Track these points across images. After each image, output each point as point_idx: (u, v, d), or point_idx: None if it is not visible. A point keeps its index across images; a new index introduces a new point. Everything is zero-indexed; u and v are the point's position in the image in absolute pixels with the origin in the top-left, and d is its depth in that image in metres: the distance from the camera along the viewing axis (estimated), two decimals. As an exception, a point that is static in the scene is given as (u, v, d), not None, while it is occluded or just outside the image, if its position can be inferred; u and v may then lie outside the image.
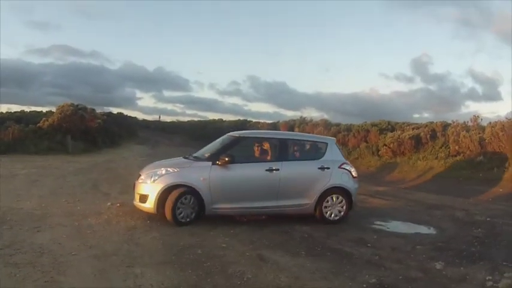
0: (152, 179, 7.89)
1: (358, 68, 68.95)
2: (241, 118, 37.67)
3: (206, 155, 8.45)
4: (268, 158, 8.61)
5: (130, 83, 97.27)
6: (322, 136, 11.36)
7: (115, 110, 47.53)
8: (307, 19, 70.58)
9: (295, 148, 9.00)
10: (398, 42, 65.53)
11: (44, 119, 26.14)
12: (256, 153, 8.82)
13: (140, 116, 72.63)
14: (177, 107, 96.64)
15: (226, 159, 7.95)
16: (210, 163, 8.00)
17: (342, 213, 8.69)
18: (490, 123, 19.77)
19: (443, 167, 18.82)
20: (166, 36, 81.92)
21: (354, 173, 8.94)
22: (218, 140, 9.26)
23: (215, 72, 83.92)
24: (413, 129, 22.96)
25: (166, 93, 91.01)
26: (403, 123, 25.70)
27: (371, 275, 5.82)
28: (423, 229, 8.91)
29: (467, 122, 21.24)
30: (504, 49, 59.72)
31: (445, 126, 22.23)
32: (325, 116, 25.14)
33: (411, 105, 51.22)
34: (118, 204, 9.28)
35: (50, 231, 7.02)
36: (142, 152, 25.09)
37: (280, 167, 8.27)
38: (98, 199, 10.07)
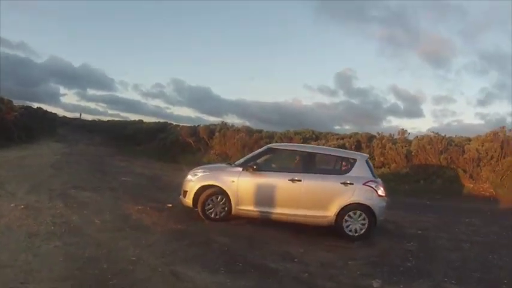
0: (192, 179, 8.94)
1: (283, 79, 70.23)
2: (160, 121, 36.28)
3: (241, 161, 9.23)
4: (294, 169, 9.10)
5: (55, 79, 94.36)
6: (354, 152, 11.04)
7: (39, 105, 44.97)
8: (235, 27, 70.86)
9: (322, 162, 9.44)
10: (324, 56, 67.25)
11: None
12: (285, 164, 9.58)
13: (62, 112, 69.48)
14: (100, 106, 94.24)
15: (254, 166, 8.71)
16: (241, 169, 8.78)
17: (363, 230, 8.54)
18: (417, 136, 20.26)
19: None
20: (94, 33, 79.50)
21: (381, 192, 8.70)
22: (259, 149, 10.11)
23: (141, 73, 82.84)
24: (337, 139, 22.80)
25: (91, 92, 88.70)
26: (327, 133, 25.48)
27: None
28: (351, 244, 8.31)
29: (393, 134, 21.52)
30: (427, 69, 61.75)
31: (370, 138, 22.36)
32: (247, 123, 24.76)
33: (333, 117, 52.52)
34: (22, 206, 8.29)
35: None
36: (59, 150, 23.36)
37: (303, 178, 8.56)
38: (0, 199, 9.00)
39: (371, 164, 9.40)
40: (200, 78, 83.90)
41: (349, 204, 8.48)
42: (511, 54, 49.91)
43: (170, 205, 9.84)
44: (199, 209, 8.74)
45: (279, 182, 8.60)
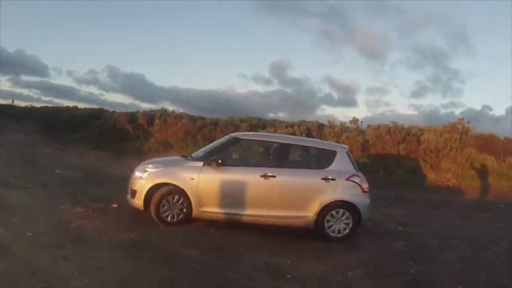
0: (141, 175, 7.64)
1: (218, 67, 69.34)
2: (96, 107, 34.24)
3: (200, 155, 8.06)
4: (266, 163, 8.01)
5: None
6: (332, 143, 10.40)
7: None
8: (170, 13, 69.15)
9: (298, 154, 8.47)
10: (259, 46, 66.72)
11: None
12: (254, 157, 8.58)
13: None
14: (34, 93, 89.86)
15: (219, 160, 7.53)
16: (201, 163, 7.59)
17: (347, 230, 7.73)
18: (370, 125, 20.18)
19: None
20: (29, 18, 75.42)
21: (365, 187, 7.93)
22: (220, 139, 9.04)
23: (75, 58, 79.16)
24: (286, 127, 21.79)
25: (24, 78, 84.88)
26: (274, 120, 24.46)
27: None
28: (336, 247, 7.51)
29: (345, 123, 21.11)
30: (362, 62, 61.79)
31: (320, 126, 21.83)
32: (181, 110, 23.77)
33: (267, 105, 52.15)
34: None
35: None
36: (-14, 140, 20.87)
37: (277, 174, 7.57)
38: None
39: (351, 156, 8.49)
40: (134, 65, 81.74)
41: (332, 202, 7.62)
42: (445, 50, 51.57)
43: (115, 205, 8.44)
44: (152, 211, 7.47)
45: (249, 179, 7.54)
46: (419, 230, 9.06)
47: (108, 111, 29.67)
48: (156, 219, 7.41)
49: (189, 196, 7.41)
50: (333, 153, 8.04)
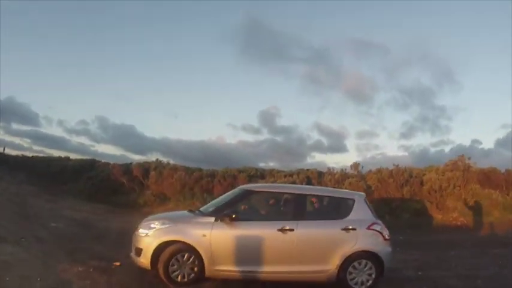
0: (147, 232, 7.07)
1: (207, 117, 70.07)
2: (87, 158, 33.61)
3: (210, 209, 7.55)
4: (282, 216, 7.60)
5: None
6: (348, 191, 9.71)
7: None
8: (159, 64, 70.15)
9: (315, 205, 7.98)
10: (247, 95, 67.85)
11: None
12: (269, 210, 7.99)
13: None
14: (24, 142, 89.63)
15: (233, 215, 7.02)
16: (213, 219, 7.10)
17: (370, 281, 7.29)
18: (371, 170, 19.95)
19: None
20: (20, 66, 75.99)
21: (386, 235, 7.55)
22: (229, 192, 8.53)
23: (65, 108, 79.36)
24: (285, 176, 21.33)
25: (15, 126, 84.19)
26: (272, 170, 23.94)
27: None
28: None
29: (345, 169, 20.88)
30: (349, 105, 62.96)
31: (320, 173, 21.46)
32: (171, 162, 23.42)
33: (257, 154, 52.21)
34: None
35: None
36: (-24, 189, 20.13)
37: (296, 227, 7.13)
38: None
39: (369, 203, 8.08)
40: (124, 116, 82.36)
41: (354, 253, 7.24)
42: (431, 88, 52.23)
43: (117, 263, 7.82)
44: (160, 271, 6.84)
45: (266, 234, 7.08)
46: (439, 273, 8.76)
47: (100, 162, 29.09)
48: (165, 279, 6.83)
49: (201, 254, 6.88)
50: (351, 202, 7.71)
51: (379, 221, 7.68)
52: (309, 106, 69.54)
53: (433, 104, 49.91)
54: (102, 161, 29.76)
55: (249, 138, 65.94)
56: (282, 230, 7.04)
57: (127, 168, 23.57)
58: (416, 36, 53.58)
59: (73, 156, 37.43)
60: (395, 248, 10.86)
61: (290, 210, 7.56)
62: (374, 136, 57.57)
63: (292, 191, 7.93)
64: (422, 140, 56.76)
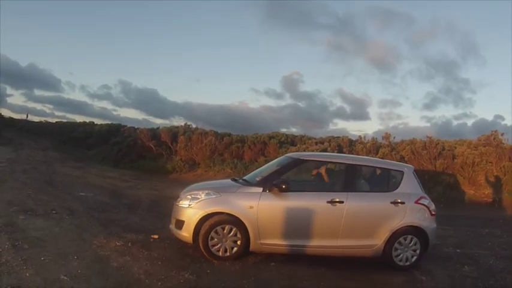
0: (189, 203, 6.62)
1: (230, 82, 70.18)
2: (112, 122, 33.16)
3: (257, 179, 7.03)
4: (332, 187, 7.34)
5: (1, 78, 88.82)
6: (397, 163, 9.31)
7: None
8: (181, 28, 69.54)
9: (365, 176, 7.53)
10: (270, 60, 67.80)
11: None
12: (318, 181, 7.59)
13: (8, 113, 66.58)
14: (47, 108, 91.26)
15: (283, 186, 6.53)
16: (261, 189, 6.63)
17: (415, 257, 6.97)
18: (402, 141, 19.41)
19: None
20: (41, 31, 76.08)
21: (433, 210, 7.18)
22: (274, 161, 8.12)
23: (87, 73, 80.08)
24: (316, 143, 20.92)
25: (38, 92, 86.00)
26: (302, 136, 23.32)
27: None
28: (406, 275, 6.82)
29: (376, 138, 20.34)
30: (373, 73, 62.49)
31: (351, 141, 20.96)
32: (193, 126, 23.02)
33: (279, 120, 52.27)
34: None
35: None
36: (3, 156, 19.99)
37: (345, 199, 6.72)
38: None
39: (417, 176, 7.59)
40: (147, 80, 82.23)
41: (401, 228, 6.88)
42: (455, 60, 50.96)
43: (156, 236, 7.38)
44: (200, 245, 6.43)
45: (315, 206, 6.62)
46: (478, 252, 8.47)
47: (126, 126, 28.63)
48: (205, 253, 6.46)
49: (247, 227, 6.45)
50: (400, 174, 7.31)
51: (426, 195, 7.30)
52: (332, 73, 69.39)
53: (457, 76, 49.72)
54: (128, 125, 29.31)
55: (272, 103, 66.23)
56: (332, 202, 6.64)
57: (154, 133, 23.20)
58: (442, 7, 53.21)
59: (95, 121, 37.14)
60: None
61: (340, 181, 7.20)
62: (397, 105, 57.84)
63: (343, 161, 7.45)
64: (445, 112, 57.45)
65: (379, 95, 68.36)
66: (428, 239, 6.96)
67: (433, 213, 7.13)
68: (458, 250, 8.51)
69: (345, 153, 18.65)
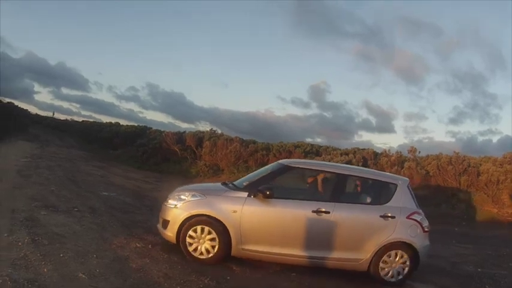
0: (176, 204, 6.64)
1: (256, 89, 70.99)
2: (138, 124, 33.32)
3: (244, 184, 6.96)
4: (319, 196, 7.15)
5: (30, 75, 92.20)
6: (392, 175, 8.76)
7: (10, 101, 42.36)
8: (211, 34, 70.29)
9: (355, 187, 7.50)
10: (298, 69, 68.51)
11: None
12: (306, 189, 7.55)
13: (35, 110, 68.40)
14: (73, 106, 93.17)
15: (267, 192, 6.42)
16: (246, 194, 6.55)
17: (401, 276, 6.71)
18: (428, 155, 19.01)
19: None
20: (72, 31, 77.71)
21: (426, 227, 6.90)
22: (266, 166, 8.13)
23: (115, 75, 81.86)
24: (341, 155, 20.58)
25: (65, 91, 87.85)
26: (327, 147, 23.09)
27: None
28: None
29: (400, 152, 20.12)
30: (400, 85, 62.58)
31: (376, 154, 20.73)
32: (218, 132, 23.13)
33: (305, 129, 52.37)
34: None
35: None
36: (28, 151, 20.12)
37: (332, 210, 6.54)
38: None
39: (412, 190, 7.33)
40: (174, 84, 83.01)
41: (390, 243, 6.65)
42: (482, 74, 50.24)
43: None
44: (181, 245, 6.45)
45: (299, 214, 6.51)
46: (499, 271, 8.29)
47: (151, 129, 28.72)
48: (187, 255, 6.42)
49: (229, 231, 6.40)
50: (393, 187, 7.07)
51: (420, 211, 7.04)
52: (359, 83, 69.74)
53: (484, 90, 49.10)
54: (153, 128, 29.41)
55: (298, 112, 66.61)
56: (317, 212, 6.49)
57: (180, 137, 23.24)
58: (471, 19, 53.32)
59: (122, 122, 37.44)
60: (451, 240, 11.16)
61: (328, 191, 7.00)
62: (423, 119, 57.50)
63: (333, 170, 7.28)
64: (470, 128, 56.13)
65: (406, 108, 68.05)
66: (419, 256, 6.70)
67: (425, 229, 6.87)
68: (479, 269, 8.32)
69: (369, 166, 18.45)
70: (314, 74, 74.35)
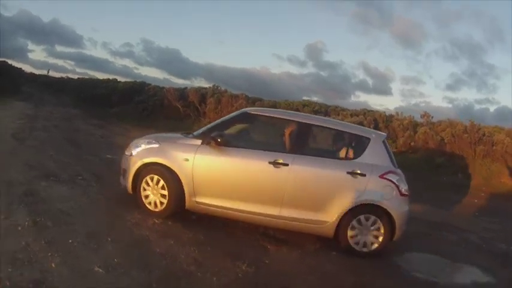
0: (132, 152, 6.32)
1: (252, 46, 69.83)
2: (135, 80, 32.25)
3: (200, 131, 6.47)
4: (279, 147, 6.31)
5: (23, 33, 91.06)
6: (366, 128, 8.09)
7: (3, 60, 41.06)
8: None
9: (319, 139, 6.86)
10: (295, 27, 68.06)
11: None
12: (266, 139, 7.10)
13: (29, 69, 67.30)
14: (68, 64, 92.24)
15: (218, 139, 5.89)
16: (200, 141, 6.05)
17: (376, 245, 5.93)
18: (440, 122, 19.27)
19: (399, 164, 16.55)
20: None
21: (404, 189, 6.02)
22: (230, 114, 7.26)
23: (110, 31, 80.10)
24: (352, 116, 20.27)
25: (59, 48, 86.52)
26: (336, 107, 22.81)
27: None
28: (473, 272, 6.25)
29: (412, 116, 20.14)
30: (397, 49, 63.80)
31: (388, 117, 20.81)
32: (221, 88, 22.48)
33: (301, 88, 52.40)
34: None
35: None
36: (23, 112, 19.09)
37: (291, 162, 5.86)
38: None
39: (389, 147, 6.59)
40: (170, 40, 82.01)
41: (359, 205, 5.87)
42: (481, 44, 50.63)
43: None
44: (137, 196, 6.17)
45: (254, 165, 5.95)
46: None
47: (150, 85, 27.66)
48: (142, 206, 6.12)
49: (182, 181, 5.95)
50: (366, 140, 6.27)
51: (399, 170, 6.22)
52: (356, 45, 69.95)
53: (482, 60, 48.68)
54: (152, 84, 28.32)
55: (294, 70, 66.11)
56: (274, 163, 5.85)
57: (181, 93, 22.34)
58: None
59: (117, 78, 36.29)
60: (473, 213, 11.00)
61: (289, 142, 6.33)
62: (420, 83, 58.85)
63: (296, 119, 6.49)
64: (468, 95, 57.65)
65: (403, 71, 68.50)
66: (395, 224, 5.89)
67: (403, 192, 6.03)
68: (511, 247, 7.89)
69: (380, 128, 18.13)
70: (311, 34, 74.07)
